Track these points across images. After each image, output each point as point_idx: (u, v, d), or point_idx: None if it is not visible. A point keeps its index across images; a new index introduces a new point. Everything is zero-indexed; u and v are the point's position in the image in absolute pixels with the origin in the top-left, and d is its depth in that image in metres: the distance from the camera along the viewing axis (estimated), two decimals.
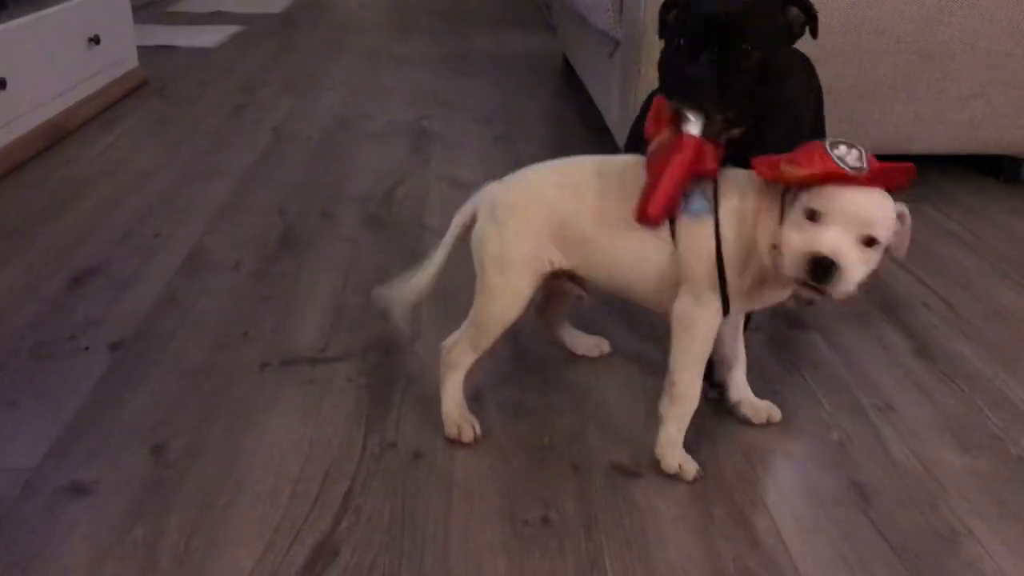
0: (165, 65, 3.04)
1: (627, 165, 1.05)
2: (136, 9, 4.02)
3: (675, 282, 1.01)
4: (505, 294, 1.06)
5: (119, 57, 2.61)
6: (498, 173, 1.97)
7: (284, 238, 1.69)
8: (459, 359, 1.10)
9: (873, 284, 1.47)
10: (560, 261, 1.06)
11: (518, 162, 2.09)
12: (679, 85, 0.98)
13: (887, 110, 1.88)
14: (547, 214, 1.04)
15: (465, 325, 1.09)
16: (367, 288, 1.48)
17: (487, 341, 1.08)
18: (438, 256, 1.12)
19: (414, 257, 1.58)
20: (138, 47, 2.83)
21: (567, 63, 3.15)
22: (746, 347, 1.17)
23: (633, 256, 1.02)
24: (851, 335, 1.37)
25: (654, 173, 0.97)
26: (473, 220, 1.09)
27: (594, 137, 2.32)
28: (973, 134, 1.92)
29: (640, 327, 1.37)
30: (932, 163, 2.09)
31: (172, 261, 1.58)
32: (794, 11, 1.02)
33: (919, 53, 1.82)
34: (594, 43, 2.28)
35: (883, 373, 1.27)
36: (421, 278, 1.12)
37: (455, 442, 1.10)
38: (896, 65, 1.83)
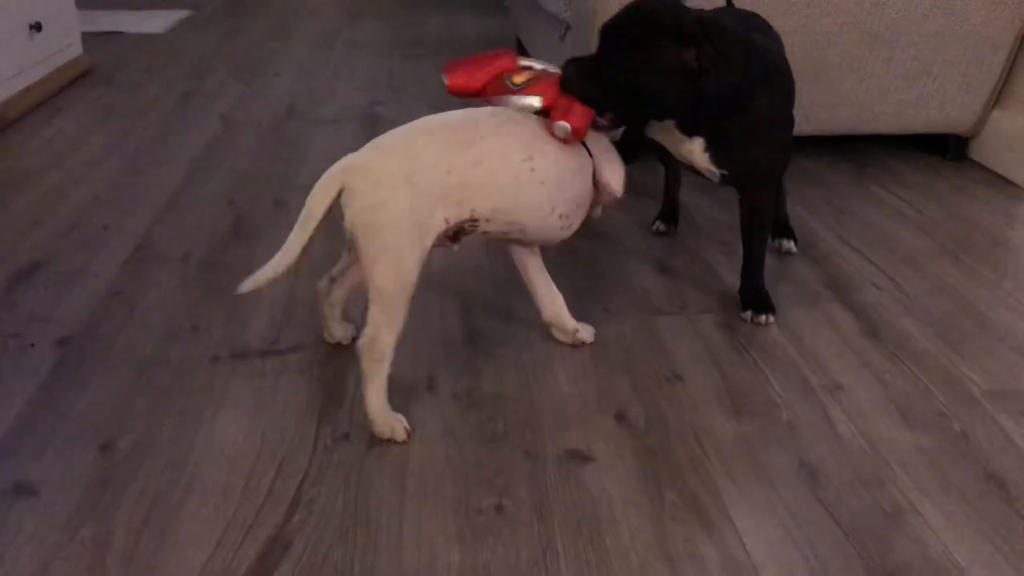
0: (111, 51, 2.98)
1: (494, 111, 1.14)
2: None
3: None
4: (408, 263, 1.05)
5: (62, 44, 2.55)
6: None
7: (234, 228, 1.66)
8: (384, 348, 1.06)
9: (822, 265, 1.50)
10: (457, 215, 1.08)
11: None
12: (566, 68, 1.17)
13: (837, 91, 1.90)
14: (442, 173, 1.06)
15: (373, 312, 1.05)
16: (318, 277, 1.47)
17: (401, 316, 1.06)
18: (297, 239, 1.10)
19: None
20: (83, 33, 2.77)
21: (520, 45, 3.13)
22: (700, 330, 1.18)
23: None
24: (800, 316, 1.38)
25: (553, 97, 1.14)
26: (336, 198, 1.09)
27: None
28: (919, 114, 1.94)
29: (594, 310, 1.38)
30: (880, 143, 2.12)
31: (119, 254, 1.55)
32: (690, 53, 1.14)
33: (867, 33, 1.83)
34: (546, 26, 2.27)
35: (832, 353, 1.29)
36: (280, 262, 1.10)
37: (389, 441, 1.08)
38: (844, 46, 1.85)
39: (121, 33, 3.24)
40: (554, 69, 1.20)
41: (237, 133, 2.19)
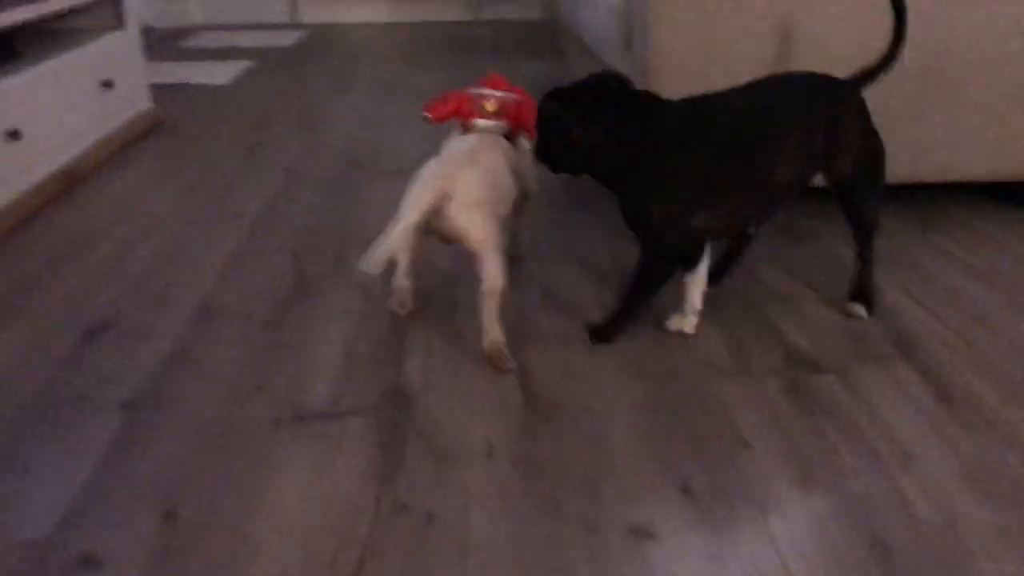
0: (178, 103, 3.06)
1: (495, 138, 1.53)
2: (148, 46, 4.06)
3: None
4: (498, 230, 1.40)
5: (132, 99, 2.63)
6: None
7: (297, 285, 1.68)
8: (504, 286, 1.38)
9: (888, 321, 1.45)
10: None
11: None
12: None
13: (899, 138, 1.86)
14: (494, 174, 1.44)
15: (491, 267, 1.37)
16: (378, 337, 1.48)
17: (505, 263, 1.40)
18: (411, 218, 1.35)
19: (426, 304, 1.58)
20: (151, 86, 2.85)
21: None
22: (765, 393, 1.15)
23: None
24: (868, 378, 1.35)
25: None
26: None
27: None
28: (988, 161, 1.89)
29: (655, 370, 1.36)
30: (946, 192, 2.07)
31: (185, 312, 1.58)
32: (577, 135, 1.34)
33: (932, 79, 1.80)
34: None
35: (902, 419, 1.25)
36: (395, 234, 1.34)
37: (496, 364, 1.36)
38: (907, 92, 1.81)
39: (188, 84, 3.33)
40: (513, 97, 1.57)
41: (300, 186, 2.23)
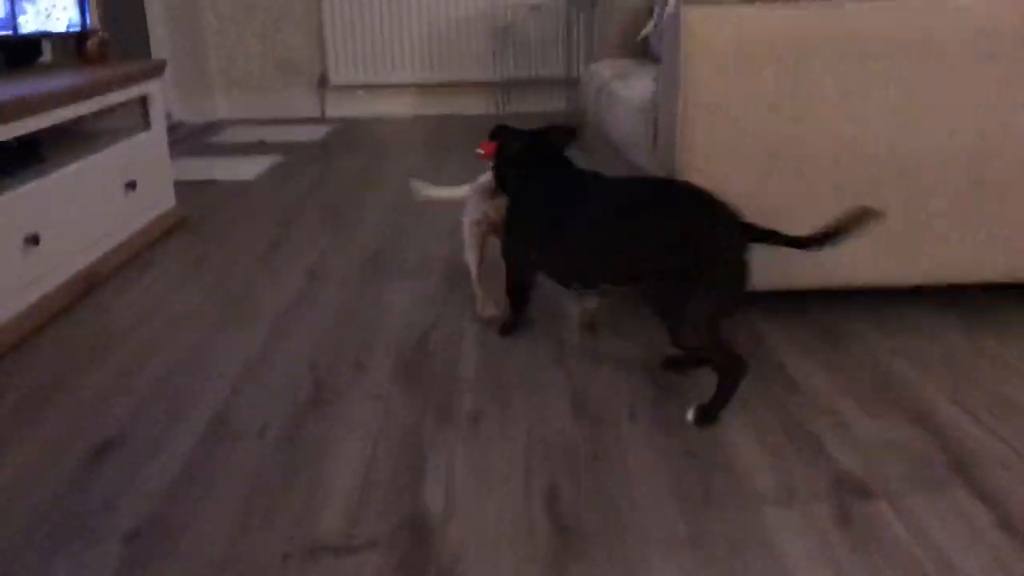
0: (203, 200, 3.06)
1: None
2: (175, 142, 4.11)
3: None
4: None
5: (155, 200, 2.62)
6: (536, 315, 1.90)
7: (313, 396, 1.62)
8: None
9: (942, 439, 1.35)
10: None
11: (554, 298, 2.04)
12: None
13: (941, 240, 1.79)
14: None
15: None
16: (396, 456, 1.40)
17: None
18: (464, 192, 1.97)
19: (446, 417, 1.51)
20: (177, 181, 2.85)
21: None
22: (812, 523, 1.06)
23: None
24: (924, 505, 1.25)
25: None
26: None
27: None
28: None
29: (693, 497, 1.27)
30: (992, 292, 1.99)
31: (196, 427, 1.51)
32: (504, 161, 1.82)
33: (974, 181, 1.73)
34: (629, 174, 2.23)
35: (963, 552, 1.15)
36: (454, 192, 1.97)
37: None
38: (949, 195, 1.75)
39: (213, 181, 3.34)
40: None
41: (321, 287, 2.18)
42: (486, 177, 1.88)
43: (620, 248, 1.51)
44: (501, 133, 1.83)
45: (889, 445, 1.39)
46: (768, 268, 1.81)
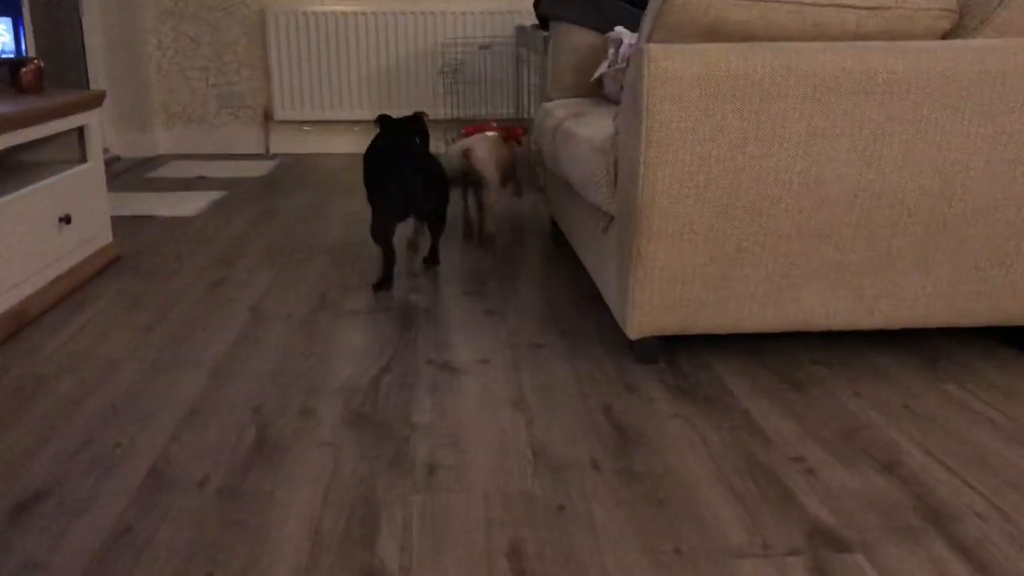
0: (142, 236, 2.94)
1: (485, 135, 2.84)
2: (114, 177, 3.97)
3: None
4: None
5: (91, 235, 2.51)
6: (491, 355, 1.85)
7: (257, 444, 1.53)
8: (498, 198, 2.85)
9: (913, 487, 1.30)
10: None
11: (511, 341, 1.98)
12: None
13: (901, 283, 1.78)
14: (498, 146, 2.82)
15: (491, 192, 2.78)
16: (348, 509, 1.32)
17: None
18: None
19: (401, 467, 1.43)
20: (114, 217, 2.73)
21: (555, 225, 3.07)
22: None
23: None
24: (900, 557, 1.20)
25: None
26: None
27: (589, 307, 2.20)
28: (994, 305, 1.81)
29: (664, 551, 1.21)
30: (952, 335, 1.98)
31: (131, 479, 1.41)
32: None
33: (934, 224, 1.73)
34: (586, 214, 2.19)
35: None
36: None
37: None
38: (909, 237, 1.73)
39: (154, 216, 3.22)
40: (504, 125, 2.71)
41: (266, 327, 2.09)
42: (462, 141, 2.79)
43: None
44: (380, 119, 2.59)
45: (861, 494, 1.35)
46: (725, 310, 1.77)
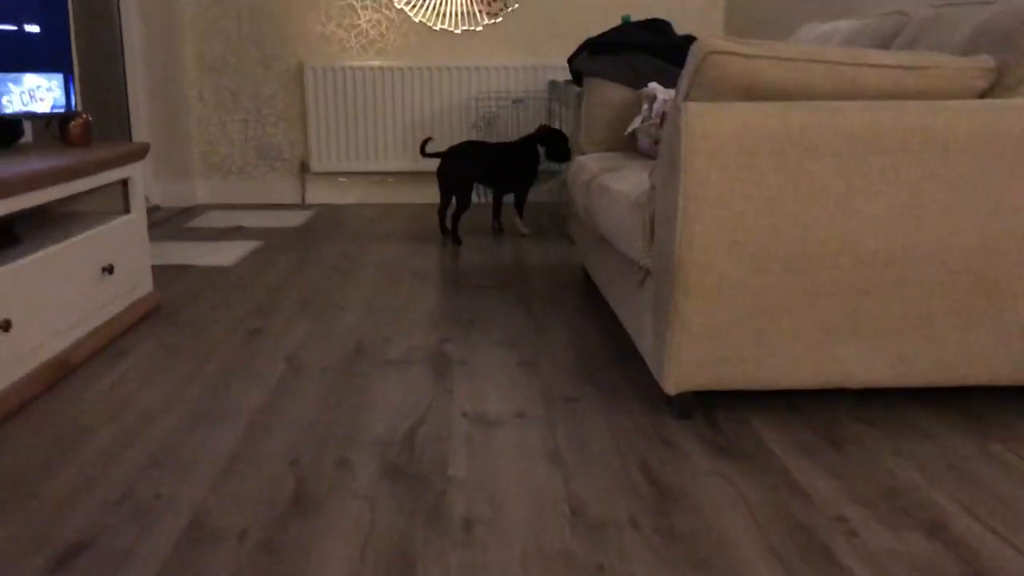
0: (181, 285, 2.99)
1: None
2: (154, 225, 4.04)
3: None
4: None
5: (133, 284, 2.55)
6: (526, 408, 1.85)
7: (295, 497, 1.53)
8: None
9: (960, 553, 1.28)
10: None
11: (546, 393, 1.97)
12: None
13: (942, 341, 1.76)
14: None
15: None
16: (385, 565, 1.32)
17: None
18: None
19: (437, 522, 1.42)
20: (154, 266, 2.78)
21: (587, 275, 3.08)
22: None
23: None
24: None
25: None
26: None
27: (623, 360, 2.20)
28: None
29: None
30: (996, 393, 1.95)
31: (171, 531, 1.42)
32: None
33: (979, 282, 1.71)
34: (620, 266, 2.20)
35: None
36: None
37: None
38: (953, 295, 1.72)
39: (192, 266, 3.27)
40: None
41: (302, 378, 2.11)
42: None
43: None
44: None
45: (905, 557, 1.33)
46: (763, 366, 1.76)
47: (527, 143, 3.71)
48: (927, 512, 1.46)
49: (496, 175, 3.71)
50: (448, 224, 3.77)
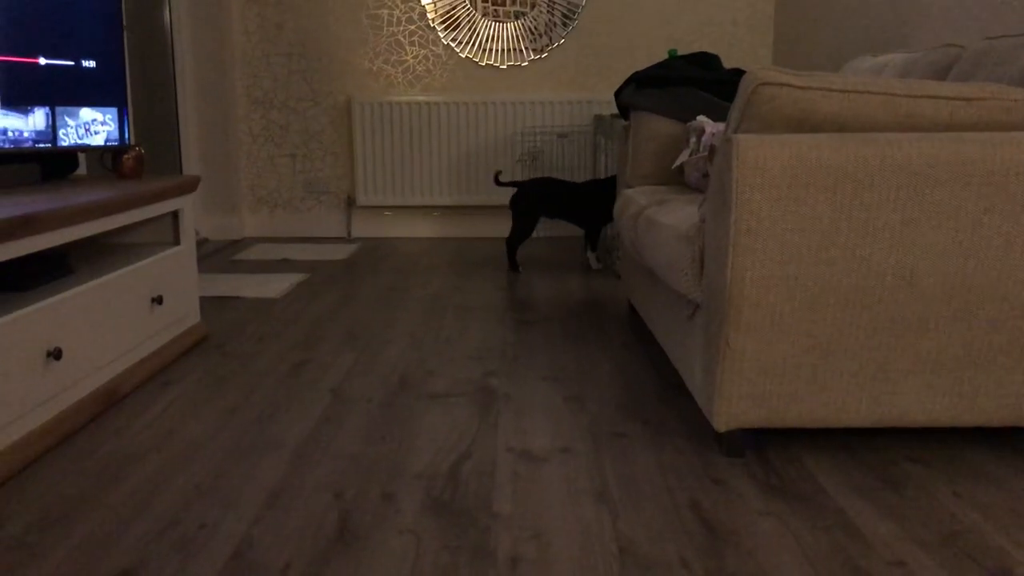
0: (227, 317, 3.01)
1: None
2: (202, 258, 4.10)
3: None
4: None
5: (180, 315, 2.57)
6: (572, 444, 1.82)
7: (338, 530, 1.51)
8: None
9: None
10: None
11: (592, 429, 1.94)
12: None
13: (1004, 380, 1.70)
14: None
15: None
16: None
17: None
18: None
19: (483, 559, 1.40)
20: (201, 298, 2.80)
21: (633, 309, 3.05)
22: None
23: None
24: None
25: None
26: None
27: (671, 395, 2.16)
28: None
29: None
30: None
31: (215, 562, 1.41)
32: None
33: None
34: (668, 300, 2.17)
35: None
36: None
37: None
38: (1012, 331, 1.67)
39: (239, 298, 3.30)
40: None
41: (347, 410, 2.10)
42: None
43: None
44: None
45: None
46: (816, 403, 1.72)
47: (603, 182, 3.77)
48: (990, 557, 1.40)
49: (568, 211, 3.81)
50: (515, 255, 3.89)
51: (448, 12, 4.63)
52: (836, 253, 1.63)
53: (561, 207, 3.80)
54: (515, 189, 3.80)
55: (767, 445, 1.87)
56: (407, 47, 4.69)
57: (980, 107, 1.65)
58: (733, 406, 1.73)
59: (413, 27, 4.67)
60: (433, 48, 4.68)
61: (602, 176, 4.43)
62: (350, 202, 4.83)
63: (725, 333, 1.69)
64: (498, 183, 3.84)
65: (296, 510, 1.59)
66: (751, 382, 1.71)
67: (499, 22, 4.64)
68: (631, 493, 1.65)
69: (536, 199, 3.78)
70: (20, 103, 2.20)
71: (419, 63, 4.70)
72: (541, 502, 1.61)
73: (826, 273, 1.64)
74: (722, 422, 1.75)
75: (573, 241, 4.65)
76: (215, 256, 4.23)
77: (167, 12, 4.32)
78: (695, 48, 4.67)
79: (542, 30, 4.65)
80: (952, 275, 1.64)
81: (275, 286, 3.47)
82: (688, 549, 1.44)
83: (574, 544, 1.46)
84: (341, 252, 4.31)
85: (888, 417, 1.74)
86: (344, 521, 1.55)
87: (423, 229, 4.86)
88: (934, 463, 1.76)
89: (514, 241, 3.82)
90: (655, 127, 2.82)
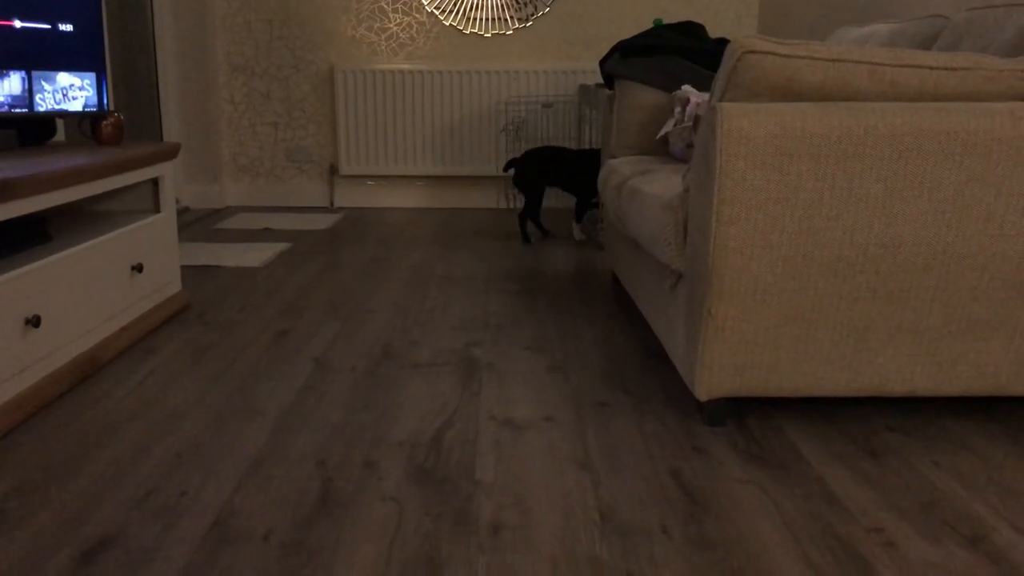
0: (209, 286, 2.99)
1: None
2: (183, 226, 4.06)
3: None
4: None
5: (161, 283, 2.55)
6: (555, 413, 1.82)
7: (321, 497, 1.51)
8: None
9: (1002, 566, 1.24)
10: None
11: (575, 398, 1.95)
12: None
13: (982, 350, 1.72)
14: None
15: None
16: (412, 567, 1.30)
17: None
18: None
19: (465, 525, 1.40)
20: (182, 266, 2.78)
21: (616, 280, 3.05)
22: None
23: None
24: None
25: None
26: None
27: (653, 365, 2.16)
28: None
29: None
30: None
31: (195, 529, 1.41)
32: None
33: (1016, 289, 1.67)
34: (651, 271, 2.17)
35: None
36: None
37: None
38: (992, 301, 1.68)
39: (220, 267, 3.28)
40: None
41: (330, 379, 2.09)
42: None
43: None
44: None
45: (945, 570, 1.29)
46: (797, 373, 1.73)
47: (597, 152, 3.72)
48: (967, 524, 1.42)
49: (564, 179, 3.76)
50: (526, 227, 3.89)
51: None
52: (819, 223, 1.63)
53: (559, 174, 3.75)
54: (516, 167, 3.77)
55: (748, 414, 1.88)
56: (390, 14, 4.64)
57: (964, 77, 1.65)
58: (715, 375, 1.73)
59: None
60: (417, 16, 4.63)
61: (587, 147, 4.40)
62: (333, 171, 4.79)
63: (708, 303, 1.69)
64: (507, 169, 3.81)
65: (278, 478, 1.59)
66: (733, 351, 1.71)
67: None
68: (613, 461, 1.65)
69: (535, 170, 3.73)
70: None
71: (403, 31, 4.65)
72: (523, 470, 1.62)
73: (808, 243, 1.64)
74: (704, 391, 1.76)
75: (556, 214, 4.64)
76: (197, 225, 4.20)
77: None
78: (680, 17, 4.64)
79: None
80: (933, 245, 1.64)
81: (257, 255, 3.45)
82: (669, 516, 1.45)
83: (556, 511, 1.46)
84: (324, 222, 4.29)
85: (868, 387, 1.75)
86: (326, 489, 1.55)
87: (407, 199, 4.84)
88: (913, 432, 1.78)
89: (524, 214, 3.79)
90: (640, 97, 2.80)
